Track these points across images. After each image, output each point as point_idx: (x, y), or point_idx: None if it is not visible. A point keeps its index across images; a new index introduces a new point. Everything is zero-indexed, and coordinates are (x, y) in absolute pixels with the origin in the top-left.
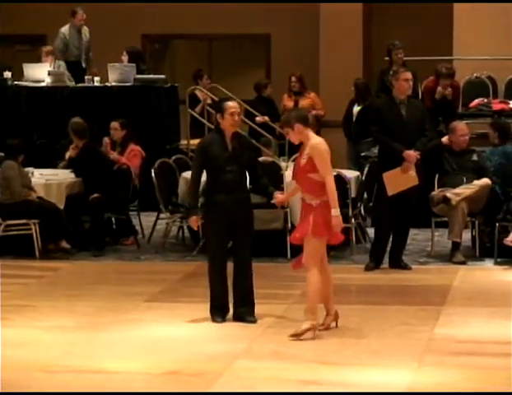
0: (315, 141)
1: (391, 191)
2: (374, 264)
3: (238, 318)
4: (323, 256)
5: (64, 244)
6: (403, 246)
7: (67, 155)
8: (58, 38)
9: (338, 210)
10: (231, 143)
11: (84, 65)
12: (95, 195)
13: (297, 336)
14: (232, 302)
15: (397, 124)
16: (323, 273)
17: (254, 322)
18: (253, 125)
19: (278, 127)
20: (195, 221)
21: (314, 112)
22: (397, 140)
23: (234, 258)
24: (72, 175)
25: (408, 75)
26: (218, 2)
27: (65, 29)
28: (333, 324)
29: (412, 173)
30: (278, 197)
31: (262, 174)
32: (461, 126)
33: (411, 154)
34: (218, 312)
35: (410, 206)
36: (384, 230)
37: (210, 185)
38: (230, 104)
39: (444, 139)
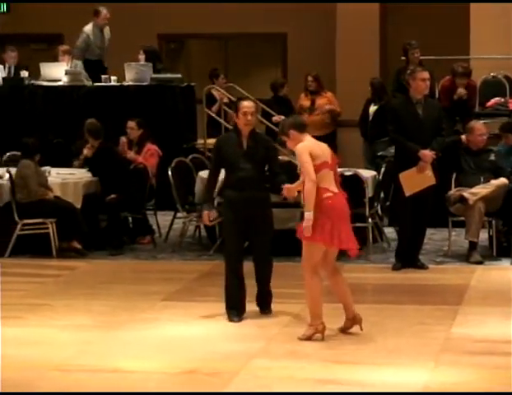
0: (299, 145)
1: (408, 191)
2: (401, 264)
3: (260, 309)
4: (318, 264)
5: (76, 244)
6: (420, 246)
7: (83, 154)
8: (81, 36)
9: (310, 213)
10: (247, 141)
11: (105, 64)
12: (112, 196)
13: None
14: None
15: (414, 124)
16: (335, 276)
17: (269, 313)
18: (270, 124)
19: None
20: (206, 216)
21: (327, 106)
22: (414, 139)
23: (253, 257)
24: (89, 174)
25: (426, 74)
26: (234, 1)
27: (88, 28)
28: (355, 328)
29: (429, 172)
30: (286, 186)
31: (279, 173)
32: (479, 126)
33: (427, 153)
34: (233, 312)
35: (426, 205)
36: (407, 230)
37: (225, 183)
38: (245, 103)
39: (463, 137)
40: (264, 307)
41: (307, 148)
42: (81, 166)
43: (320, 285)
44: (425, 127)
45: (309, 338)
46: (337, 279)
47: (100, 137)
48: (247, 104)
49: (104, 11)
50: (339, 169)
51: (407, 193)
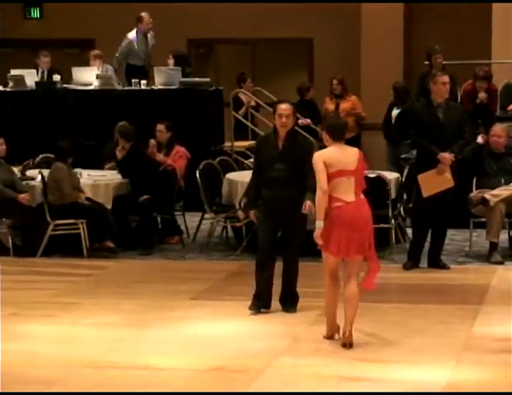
0: (316, 153)
1: (426, 192)
2: (412, 263)
3: (282, 307)
4: (334, 270)
5: (109, 244)
6: (442, 246)
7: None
8: (124, 42)
9: (320, 222)
10: (283, 143)
11: (149, 69)
12: (145, 197)
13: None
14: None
15: (435, 127)
16: (335, 288)
17: (293, 312)
18: (296, 127)
19: (320, 129)
20: (252, 215)
21: (353, 111)
22: (435, 142)
23: (282, 256)
24: (119, 176)
25: (446, 78)
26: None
27: (132, 34)
28: (336, 336)
29: (448, 175)
30: (307, 203)
31: (309, 175)
32: (495, 128)
33: (446, 156)
34: (255, 302)
35: (447, 207)
36: (421, 230)
37: (263, 182)
38: (281, 106)
39: (480, 139)
40: (288, 306)
41: (321, 157)
42: (113, 169)
43: (333, 290)
44: (446, 131)
45: (330, 338)
46: (345, 288)
47: (132, 140)
48: (283, 107)
49: (146, 16)
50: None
51: (425, 195)
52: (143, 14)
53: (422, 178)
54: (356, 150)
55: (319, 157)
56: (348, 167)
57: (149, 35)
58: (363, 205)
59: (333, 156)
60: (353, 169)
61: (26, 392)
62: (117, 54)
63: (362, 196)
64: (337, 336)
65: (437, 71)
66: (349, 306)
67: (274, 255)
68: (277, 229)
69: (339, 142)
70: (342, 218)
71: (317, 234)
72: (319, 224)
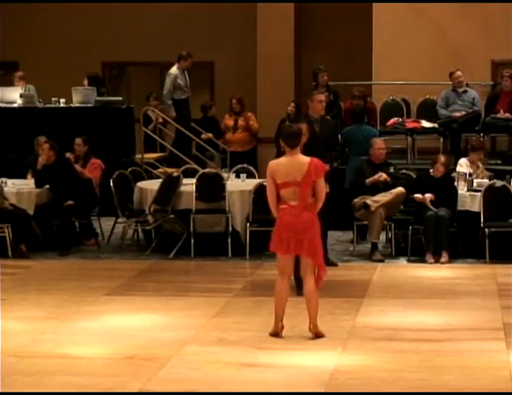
0: (269, 165)
1: None
2: None
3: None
4: (284, 269)
5: (22, 248)
6: (325, 246)
7: (40, 162)
8: (168, 78)
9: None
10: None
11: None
12: (68, 202)
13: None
14: None
15: (311, 139)
16: (284, 288)
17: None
18: (199, 141)
19: (221, 143)
20: None
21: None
22: (312, 152)
23: None
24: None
25: (322, 97)
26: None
27: (174, 70)
28: (282, 334)
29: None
30: None
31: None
32: (378, 141)
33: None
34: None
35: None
36: None
37: None
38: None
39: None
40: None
41: (269, 169)
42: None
43: (281, 289)
44: (321, 142)
45: (274, 335)
46: (304, 288)
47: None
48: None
49: (190, 57)
50: (259, 180)
51: None
52: (188, 53)
53: None
54: (306, 161)
55: (268, 169)
56: (294, 178)
57: (185, 72)
58: (305, 210)
59: (280, 169)
60: (298, 181)
61: (26, 392)
62: (165, 92)
63: (310, 201)
64: (282, 334)
65: (314, 90)
66: (309, 304)
67: None
68: None
69: (293, 150)
70: (284, 219)
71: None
72: None
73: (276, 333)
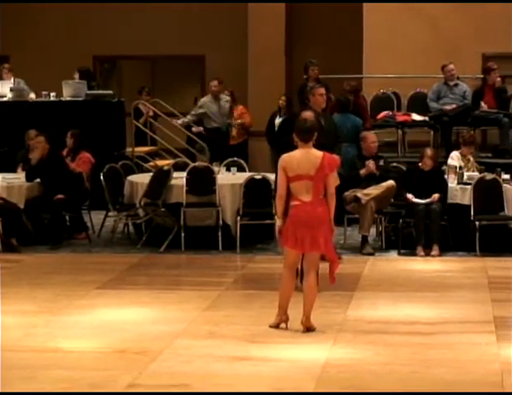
0: (280, 158)
1: None
2: None
3: None
4: (292, 264)
5: (13, 241)
6: None
7: (35, 157)
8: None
9: (279, 221)
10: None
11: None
12: (60, 196)
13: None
14: None
15: (319, 132)
16: (291, 281)
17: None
18: (190, 134)
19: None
20: None
21: (239, 121)
22: (320, 146)
23: None
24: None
25: (322, 90)
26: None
27: (206, 97)
28: (283, 325)
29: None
30: None
31: None
32: (370, 135)
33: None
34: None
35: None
36: None
37: None
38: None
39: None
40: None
41: (282, 161)
42: (28, 169)
43: (289, 283)
44: (327, 136)
45: (275, 326)
46: (304, 281)
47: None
48: None
49: (213, 82)
50: (249, 174)
51: None
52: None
53: None
54: (320, 155)
55: (280, 162)
56: (307, 172)
57: (223, 97)
58: (319, 205)
59: (293, 161)
60: (312, 175)
61: (26, 392)
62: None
63: (321, 196)
64: (283, 325)
65: (314, 84)
66: (306, 298)
67: None
68: None
69: (306, 144)
70: (298, 216)
71: (277, 230)
72: (278, 222)
73: (277, 325)
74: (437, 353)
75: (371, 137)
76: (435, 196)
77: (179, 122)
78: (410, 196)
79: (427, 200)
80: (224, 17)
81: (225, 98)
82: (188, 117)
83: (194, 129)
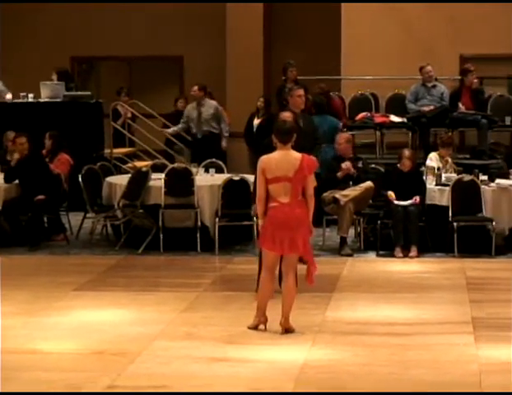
0: (259, 160)
1: None
2: None
3: None
4: (271, 266)
5: None
6: None
7: (15, 158)
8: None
9: (261, 221)
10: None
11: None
12: (40, 197)
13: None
14: None
15: (298, 134)
16: (270, 283)
17: None
18: (168, 135)
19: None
20: None
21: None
22: (297, 147)
23: None
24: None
25: (301, 91)
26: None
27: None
28: (262, 326)
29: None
30: None
31: None
32: (342, 135)
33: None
34: None
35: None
36: None
37: None
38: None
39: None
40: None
41: (261, 163)
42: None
43: (268, 285)
44: (306, 137)
45: (254, 327)
46: (283, 283)
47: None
48: None
49: (194, 87)
50: (228, 175)
51: None
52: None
53: None
54: (298, 157)
55: (259, 163)
56: (285, 174)
57: (207, 103)
58: (297, 207)
59: (272, 162)
60: (290, 177)
61: (27, 392)
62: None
63: (300, 197)
64: (262, 327)
65: (293, 85)
66: (285, 300)
67: None
68: None
69: (285, 146)
70: (276, 217)
71: (260, 230)
72: (260, 222)
73: (255, 326)
74: (415, 354)
75: (342, 137)
76: (416, 198)
77: (169, 131)
78: (390, 192)
79: (408, 202)
80: (202, 18)
81: (209, 104)
82: (179, 126)
83: (169, 130)
